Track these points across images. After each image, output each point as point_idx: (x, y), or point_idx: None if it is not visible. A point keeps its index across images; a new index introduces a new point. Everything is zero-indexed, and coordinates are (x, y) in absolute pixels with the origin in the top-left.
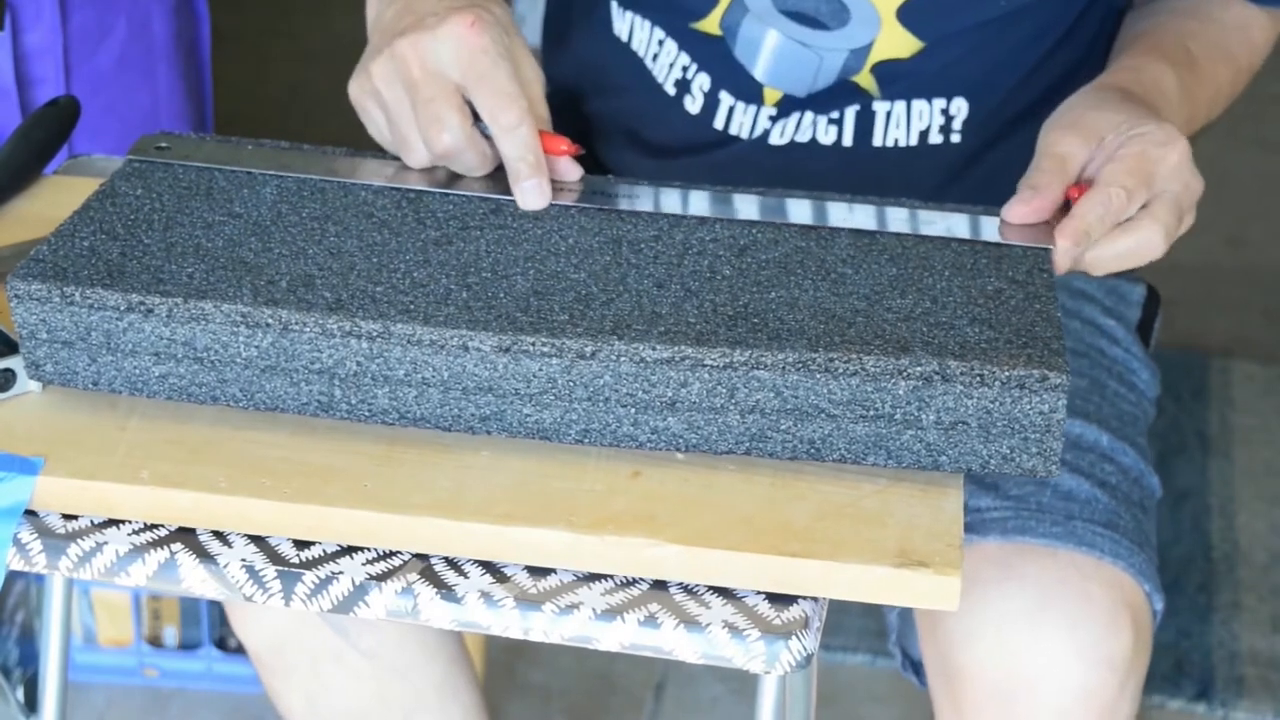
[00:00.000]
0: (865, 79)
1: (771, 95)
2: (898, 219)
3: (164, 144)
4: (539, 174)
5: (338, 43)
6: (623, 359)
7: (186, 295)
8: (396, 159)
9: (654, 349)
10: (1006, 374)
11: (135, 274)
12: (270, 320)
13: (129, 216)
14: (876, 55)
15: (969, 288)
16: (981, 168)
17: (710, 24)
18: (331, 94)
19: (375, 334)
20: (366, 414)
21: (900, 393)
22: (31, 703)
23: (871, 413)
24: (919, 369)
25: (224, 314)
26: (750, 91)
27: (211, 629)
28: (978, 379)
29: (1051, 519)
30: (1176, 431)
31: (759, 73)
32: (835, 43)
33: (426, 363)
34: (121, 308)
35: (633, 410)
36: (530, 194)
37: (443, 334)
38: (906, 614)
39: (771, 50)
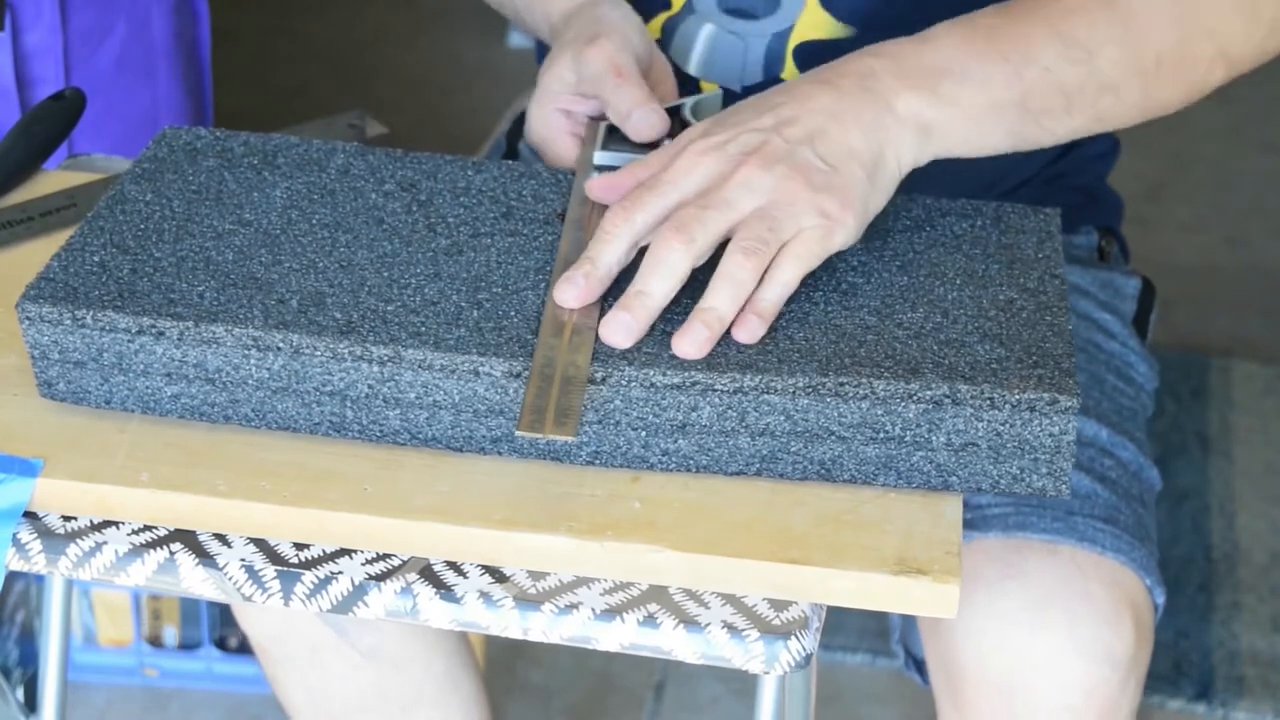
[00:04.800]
0: (789, 70)
1: (708, 89)
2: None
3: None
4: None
5: (338, 42)
6: (633, 384)
7: (198, 318)
8: None
9: (664, 375)
10: (1017, 397)
11: (146, 294)
12: (281, 344)
13: (139, 226)
14: (797, 37)
15: (980, 298)
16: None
17: (654, 28)
18: (332, 93)
19: (386, 359)
20: (379, 434)
21: (910, 415)
22: (31, 703)
23: (882, 435)
24: (929, 392)
25: (235, 337)
26: (688, 88)
27: (211, 629)
28: (988, 402)
29: (1052, 515)
30: (1176, 431)
31: (693, 67)
32: (761, 28)
33: (438, 386)
34: (133, 330)
35: (643, 433)
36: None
37: (453, 359)
38: None
39: (705, 41)
